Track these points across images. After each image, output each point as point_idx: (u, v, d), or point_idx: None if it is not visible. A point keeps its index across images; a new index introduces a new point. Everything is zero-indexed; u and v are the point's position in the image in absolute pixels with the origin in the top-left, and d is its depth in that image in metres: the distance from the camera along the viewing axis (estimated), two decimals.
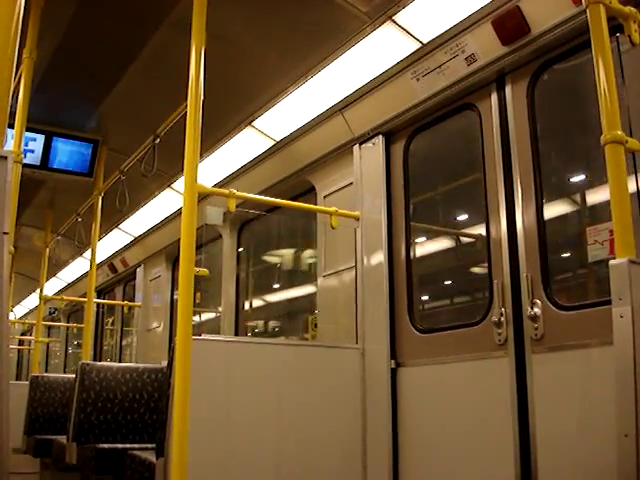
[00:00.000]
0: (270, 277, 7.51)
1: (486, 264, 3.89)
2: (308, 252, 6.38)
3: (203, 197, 4.17)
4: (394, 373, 4.28)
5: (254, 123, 5.44)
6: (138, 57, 5.05)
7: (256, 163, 5.80)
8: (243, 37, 4.74)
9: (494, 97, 3.97)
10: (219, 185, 6.12)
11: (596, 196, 3.87)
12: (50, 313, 11.52)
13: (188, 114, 3.58)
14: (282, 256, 7.28)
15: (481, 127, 4.03)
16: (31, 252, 9.50)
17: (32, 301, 12.79)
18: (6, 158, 2.15)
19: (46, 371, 12.49)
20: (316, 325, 5.12)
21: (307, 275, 6.48)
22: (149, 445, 4.68)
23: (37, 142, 6.16)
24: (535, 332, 3.45)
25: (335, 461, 4.21)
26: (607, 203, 2.51)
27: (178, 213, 6.65)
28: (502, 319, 3.63)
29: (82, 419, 5.07)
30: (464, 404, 3.83)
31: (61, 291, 11.23)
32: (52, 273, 10.44)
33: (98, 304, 10.07)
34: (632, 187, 2.95)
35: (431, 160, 4.89)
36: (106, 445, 4.85)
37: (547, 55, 3.68)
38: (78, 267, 10.17)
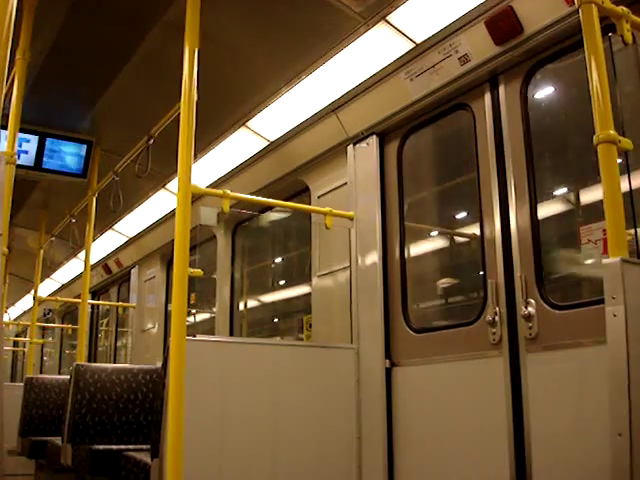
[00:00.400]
0: (265, 277, 7.50)
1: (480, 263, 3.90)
2: (303, 252, 6.37)
3: (197, 198, 4.17)
4: (389, 373, 4.29)
5: (248, 123, 5.43)
6: (132, 58, 5.04)
7: (250, 163, 5.79)
8: (236, 38, 4.74)
9: (487, 97, 3.98)
10: (213, 185, 6.12)
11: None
12: (45, 314, 11.49)
13: (182, 115, 3.58)
14: (276, 256, 7.29)
15: (475, 127, 4.04)
16: (25, 253, 9.48)
17: (26, 302, 12.77)
18: None
19: (41, 372, 12.46)
20: (311, 325, 5.11)
21: (301, 275, 6.48)
22: (144, 446, 4.68)
23: (31, 143, 6.15)
24: (529, 331, 3.46)
25: (330, 461, 4.22)
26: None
27: (172, 214, 6.63)
28: (496, 318, 3.64)
29: (77, 420, 5.06)
30: (459, 404, 3.84)
31: (55, 292, 11.20)
32: (46, 274, 10.42)
33: (93, 305, 10.06)
34: (625, 186, 2.96)
35: (425, 160, 4.90)
36: (101, 446, 4.84)
37: (540, 55, 3.69)
38: (72, 268, 10.15)
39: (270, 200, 4.85)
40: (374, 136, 4.63)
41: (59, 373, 11.73)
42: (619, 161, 2.53)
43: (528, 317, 3.47)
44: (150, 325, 8.19)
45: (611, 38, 3.15)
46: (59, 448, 5.25)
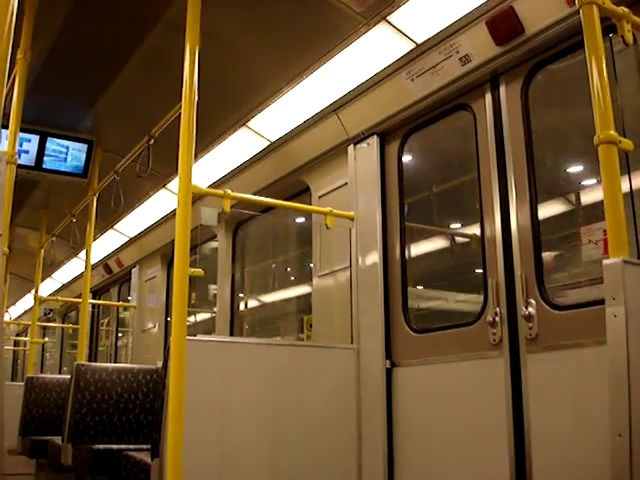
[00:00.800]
0: (266, 277, 7.51)
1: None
2: (303, 252, 6.37)
3: (198, 198, 4.17)
4: (389, 373, 4.29)
5: (249, 123, 5.44)
6: (132, 57, 5.05)
7: (251, 163, 5.79)
8: (237, 37, 4.74)
9: (488, 97, 3.98)
10: (214, 186, 6.12)
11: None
12: (45, 314, 11.50)
13: (182, 115, 3.58)
14: (277, 256, 7.28)
15: (475, 127, 4.04)
16: (26, 253, 9.48)
17: (27, 302, 12.77)
18: (0, 159, 2.15)
19: (41, 372, 12.47)
20: (311, 325, 5.11)
21: (302, 275, 6.47)
22: (144, 446, 4.68)
23: (31, 143, 6.16)
24: (529, 332, 3.46)
25: (331, 461, 4.21)
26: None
27: (173, 214, 6.64)
28: (497, 319, 3.64)
29: (77, 420, 5.07)
30: (459, 404, 3.83)
31: (56, 292, 11.21)
32: (47, 274, 10.42)
33: (93, 305, 10.06)
34: (625, 187, 2.96)
35: (426, 160, 4.90)
36: (101, 446, 4.85)
37: (541, 55, 3.68)
38: (73, 268, 10.16)
39: (271, 200, 4.85)
40: (375, 136, 4.63)
41: (60, 373, 11.74)
42: None
43: (528, 317, 3.46)
44: (151, 325, 8.19)
45: (612, 39, 3.15)
46: (59, 448, 5.26)
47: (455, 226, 5.46)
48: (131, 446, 4.86)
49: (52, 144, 6.24)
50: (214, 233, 6.72)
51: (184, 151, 3.54)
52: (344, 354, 4.43)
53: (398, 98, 4.37)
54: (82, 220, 7.03)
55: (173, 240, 3.48)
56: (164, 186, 6.89)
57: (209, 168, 6.10)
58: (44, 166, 6.26)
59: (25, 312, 13.47)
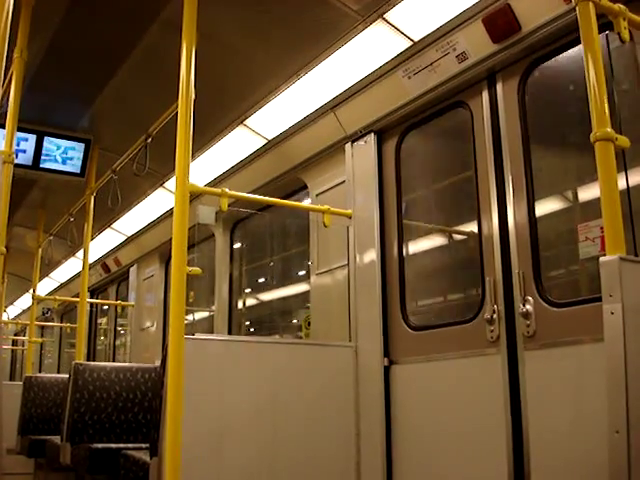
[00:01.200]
0: (264, 275, 7.51)
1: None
2: (301, 250, 6.37)
3: (195, 196, 4.17)
4: (387, 371, 4.29)
5: (246, 122, 5.43)
6: (129, 56, 5.04)
7: (248, 162, 5.79)
8: (234, 36, 4.74)
9: (485, 95, 3.98)
10: (211, 184, 6.12)
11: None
12: (43, 313, 11.48)
13: (179, 113, 3.58)
14: (275, 254, 7.29)
15: (472, 125, 4.04)
16: (23, 252, 9.48)
17: (25, 301, 12.77)
18: None
19: (40, 371, 12.47)
20: (309, 323, 5.12)
21: (301, 273, 6.48)
22: (143, 445, 4.68)
23: (29, 142, 6.15)
24: (527, 329, 3.46)
25: (329, 458, 4.22)
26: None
27: (171, 212, 6.59)
28: (494, 316, 3.65)
29: (76, 419, 5.07)
30: (457, 401, 3.84)
31: (54, 291, 11.20)
32: (45, 273, 10.42)
33: (91, 304, 10.06)
34: (622, 184, 2.96)
35: (423, 157, 4.90)
36: (100, 445, 4.85)
37: (538, 53, 3.69)
38: (71, 267, 10.15)
39: (268, 198, 4.84)
40: (372, 134, 4.63)
41: (58, 372, 11.72)
42: None
43: (526, 315, 3.47)
44: (149, 324, 8.19)
45: (608, 36, 3.15)
46: (58, 447, 5.26)
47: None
48: (130, 445, 4.86)
49: (49, 143, 6.23)
50: (212, 232, 6.72)
51: (181, 149, 3.55)
52: (342, 352, 4.43)
53: (395, 96, 4.37)
54: (80, 219, 7.03)
55: (171, 239, 3.49)
56: (162, 185, 6.89)
57: (207, 166, 6.09)
58: (41, 165, 6.25)
59: (23, 311, 13.47)
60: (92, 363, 5.57)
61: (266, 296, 7.47)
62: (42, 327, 12.55)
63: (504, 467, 3.47)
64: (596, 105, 2.54)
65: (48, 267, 9.88)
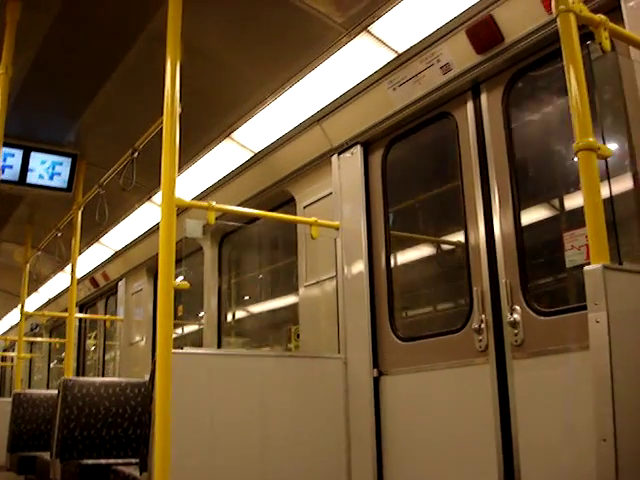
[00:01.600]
0: (252, 288, 7.49)
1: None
2: (290, 262, 6.37)
3: (182, 210, 4.17)
4: (377, 382, 4.29)
5: (233, 135, 5.44)
6: (115, 70, 5.04)
7: (235, 175, 5.80)
8: (220, 50, 4.75)
9: (470, 105, 4.00)
10: (199, 198, 6.12)
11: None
12: (32, 329, 11.43)
13: (164, 127, 3.57)
14: (264, 267, 7.28)
15: (457, 135, 4.06)
16: (11, 268, 9.44)
17: (13, 317, 12.70)
18: None
19: (29, 387, 12.39)
20: (298, 335, 5.11)
21: (289, 285, 6.47)
22: (133, 460, 4.65)
23: (15, 157, 6.12)
24: (515, 338, 3.47)
25: (320, 471, 4.21)
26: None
27: (158, 226, 6.64)
28: (482, 326, 3.65)
29: (65, 435, 5.04)
30: (447, 411, 3.84)
31: (43, 306, 11.15)
32: (33, 288, 10.36)
33: (80, 319, 10.01)
34: (605, 192, 2.98)
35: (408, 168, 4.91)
36: (90, 461, 4.83)
37: (521, 63, 3.71)
38: (59, 282, 10.11)
39: (256, 211, 4.85)
40: (358, 146, 4.65)
41: (47, 387, 11.67)
42: None
43: (514, 324, 3.48)
44: (138, 338, 8.16)
45: (589, 46, 3.17)
46: (48, 463, 5.23)
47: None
48: (120, 460, 4.84)
49: (36, 159, 6.21)
50: (200, 245, 6.71)
51: (167, 163, 3.54)
52: (331, 364, 4.42)
53: (381, 107, 4.39)
54: (67, 234, 7.01)
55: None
56: (149, 199, 6.88)
57: (193, 180, 6.09)
58: (28, 181, 6.22)
59: (12, 327, 13.39)
60: (81, 378, 5.56)
61: (255, 308, 7.45)
62: (31, 343, 12.48)
63: (494, 476, 3.47)
64: (578, 115, 2.55)
65: (36, 282, 9.84)
